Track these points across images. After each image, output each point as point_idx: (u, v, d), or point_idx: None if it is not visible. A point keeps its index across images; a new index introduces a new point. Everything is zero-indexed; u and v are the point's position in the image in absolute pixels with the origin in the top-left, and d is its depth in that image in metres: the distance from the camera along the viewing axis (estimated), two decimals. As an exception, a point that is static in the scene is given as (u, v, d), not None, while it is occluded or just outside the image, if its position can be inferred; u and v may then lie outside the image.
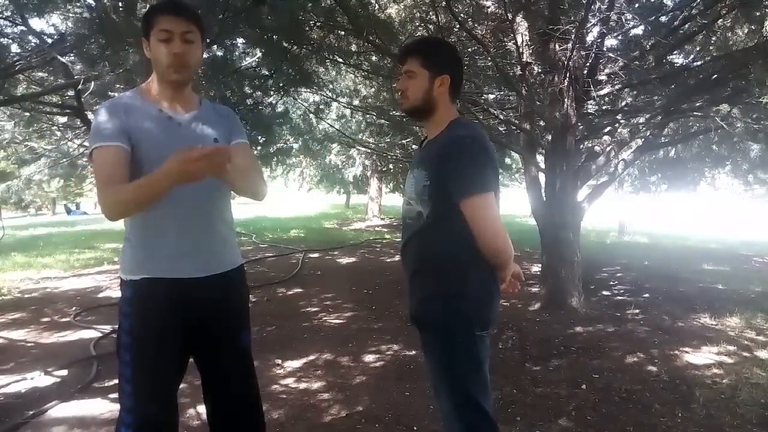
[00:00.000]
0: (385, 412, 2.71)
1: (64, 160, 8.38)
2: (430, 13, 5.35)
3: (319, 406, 2.79)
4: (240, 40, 5.96)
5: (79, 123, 6.51)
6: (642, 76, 4.68)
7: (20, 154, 8.51)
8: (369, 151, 13.18)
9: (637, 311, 4.79)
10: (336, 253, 9.13)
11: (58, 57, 4.66)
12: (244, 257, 1.64)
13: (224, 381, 1.57)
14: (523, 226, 12.97)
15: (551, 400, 2.85)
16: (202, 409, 2.58)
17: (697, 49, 5.38)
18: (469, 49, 5.49)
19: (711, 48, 5.22)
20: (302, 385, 3.07)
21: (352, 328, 4.33)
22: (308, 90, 8.42)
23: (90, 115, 5.59)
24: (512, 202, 20.36)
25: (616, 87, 4.87)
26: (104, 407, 2.72)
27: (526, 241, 8.79)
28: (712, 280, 6.73)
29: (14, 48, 5.15)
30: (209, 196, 1.48)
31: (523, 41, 4.77)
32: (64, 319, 4.55)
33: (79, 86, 4.77)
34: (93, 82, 4.84)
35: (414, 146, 10.69)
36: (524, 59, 4.73)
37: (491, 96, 6.19)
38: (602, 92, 4.84)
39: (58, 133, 8.01)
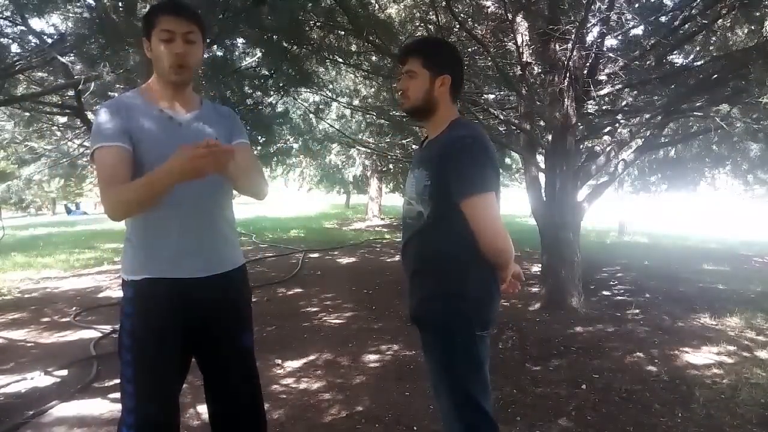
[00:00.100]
0: (385, 412, 2.71)
1: (64, 160, 8.37)
2: (430, 13, 5.35)
3: (319, 406, 2.79)
4: (240, 40, 5.96)
5: (79, 123, 6.52)
6: (642, 76, 4.68)
7: (20, 154, 8.50)
8: (369, 151, 13.18)
9: (637, 311, 4.79)
10: (336, 253, 9.13)
11: (58, 57, 4.66)
12: (244, 257, 1.64)
13: (226, 381, 1.56)
14: (523, 226, 12.97)
15: (551, 400, 2.85)
16: (201, 409, 2.59)
17: (697, 49, 5.38)
18: (469, 49, 5.49)
19: (711, 48, 5.22)
20: (302, 385, 3.07)
21: (352, 328, 4.33)
22: (308, 90, 8.43)
23: (90, 115, 5.59)
24: (512, 202, 20.36)
25: (616, 87, 4.86)
26: (104, 407, 2.72)
27: (526, 241, 8.79)
28: (712, 280, 6.73)
29: (14, 48, 5.16)
30: (211, 194, 1.48)
31: (523, 41, 4.77)
32: (64, 319, 4.55)
33: (79, 86, 4.77)
34: (93, 83, 4.84)
35: (414, 146, 10.69)
36: (524, 59, 4.73)
37: (491, 96, 6.20)
38: (602, 92, 4.84)
39: (58, 133, 8.01)
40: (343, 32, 5.48)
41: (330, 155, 15.41)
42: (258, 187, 1.57)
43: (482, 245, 1.45)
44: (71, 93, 5.44)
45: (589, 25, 4.73)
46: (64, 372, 3.26)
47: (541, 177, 5.21)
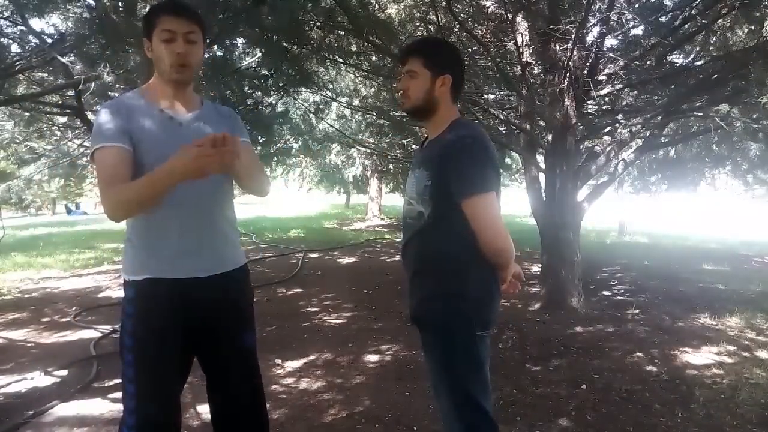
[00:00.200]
0: (385, 412, 2.71)
1: (64, 160, 8.38)
2: (430, 13, 5.35)
3: (319, 406, 2.79)
4: (240, 40, 5.96)
5: (79, 123, 6.51)
6: (642, 76, 4.68)
7: (20, 154, 8.51)
8: (369, 151, 13.17)
9: (637, 311, 4.79)
10: (336, 253, 9.13)
11: (58, 57, 4.66)
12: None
13: (228, 381, 1.56)
14: (523, 226, 12.97)
15: (551, 400, 2.85)
16: (201, 408, 2.59)
17: (697, 49, 5.38)
18: (469, 49, 5.49)
19: (711, 48, 5.22)
20: (302, 385, 3.07)
21: (352, 328, 4.33)
22: (308, 90, 8.42)
23: (90, 116, 5.59)
24: (512, 202, 20.36)
25: (616, 87, 4.87)
26: (104, 407, 2.72)
27: (526, 241, 8.79)
28: (712, 280, 6.73)
29: (14, 48, 5.16)
30: (212, 194, 1.48)
31: (523, 41, 4.77)
32: (64, 319, 4.55)
33: (79, 86, 4.77)
34: (93, 83, 4.84)
35: (414, 146, 10.69)
36: (524, 59, 4.73)
37: (491, 96, 6.19)
38: (602, 92, 4.84)
39: (58, 133, 8.01)
40: (343, 32, 5.48)
41: (330, 155, 15.40)
42: (261, 185, 1.59)
43: (483, 245, 1.45)
44: (71, 93, 5.44)
45: (589, 25, 4.74)
46: (64, 372, 3.26)
47: (541, 177, 5.21)
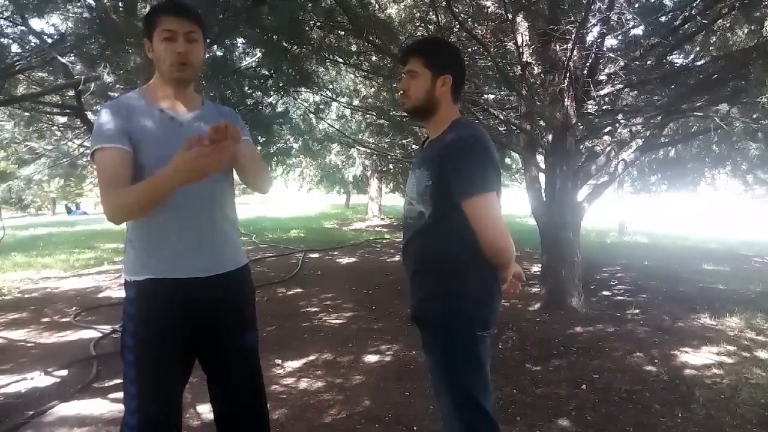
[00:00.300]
0: (385, 412, 2.71)
1: (64, 160, 8.38)
2: (430, 13, 5.35)
3: (319, 406, 2.79)
4: (240, 40, 5.96)
5: (79, 123, 6.51)
6: (642, 76, 4.68)
7: (20, 154, 8.51)
8: (369, 151, 13.17)
9: (637, 311, 4.79)
10: (336, 253, 9.13)
11: (58, 57, 4.66)
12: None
13: (229, 381, 1.56)
14: (523, 226, 12.97)
15: (551, 400, 2.85)
16: (201, 408, 2.59)
17: (697, 49, 5.38)
18: (469, 49, 5.49)
19: (711, 48, 5.22)
20: (302, 385, 3.07)
21: (352, 328, 4.33)
22: (308, 90, 8.42)
23: (90, 116, 5.59)
24: (512, 202, 20.35)
25: (616, 87, 4.87)
26: (104, 407, 2.72)
27: (526, 241, 8.79)
28: (712, 280, 6.73)
29: (14, 48, 5.15)
30: (212, 194, 1.48)
31: (523, 41, 4.77)
32: (64, 319, 4.55)
33: (79, 86, 4.77)
34: (93, 83, 4.84)
35: (414, 146, 10.69)
36: (524, 59, 4.73)
37: (491, 96, 6.19)
38: (602, 92, 4.84)
39: (58, 133, 8.01)
40: (343, 32, 5.48)
41: (330, 155, 15.39)
42: (263, 181, 1.61)
43: (483, 245, 1.45)
44: (71, 93, 5.43)
45: (589, 25, 4.74)
46: (64, 372, 3.26)
47: (541, 177, 5.21)
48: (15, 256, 8.24)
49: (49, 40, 5.17)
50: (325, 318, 4.68)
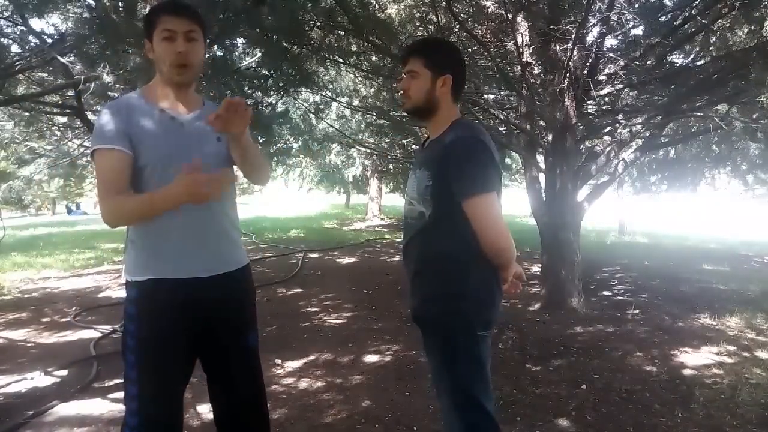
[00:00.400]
0: (385, 412, 2.71)
1: (64, 160, 8.37)
2: (430, 13, 5.35)
3: (319, 406, 2.79)
4: (240, 40, 5.95)
5: (79, 123, 6.51)
6: (642, 76, 4.68)
7: (20, 154, 8.50)
8: (369, 151, 13.18)
9: (637, 311, 4.79)
10: (336, 253, 9.13)
11: (58, 57, 4.66)
12: (245, 257, 1.65)
13: (230, 381, 1.56)
14: (523, 226, 12.97)
15: (551, 400, 2.85)
16: (201, 408, 2.59)
17: (697, 49, 5.38)
18: (469, 49, 5.49)
19: (711, 48, 5.22)
20: (302, 385, 3.07)
21: (352, 328, 4.33)
22: (308, 90, 8.41)
23: (90, 116, 5.59)
24: (512, 202, 20.34)
25: (617, 87, 4.87)
26: (104, 407, 2.72)
27: (526, 241, 8.79)
28: (712, 280, 6.73)
29: (14, 48, 5.15)
30: None
31: (523, 41, 4.77)
32: (64, 319, 4.55)
33: (79, 86, 4.77)
34: (93, 83, 4.84)
35: (414, 146, 10.70)
36: (524, 59, 4.73)
37: (491, 96, 6.20)
38: (602, 92, 4.84)
39: (58, 133, 8.01)
40: (343, 32, 5.48)
41: (330, 155, 15.40)
42: (263, 172, 1.65)
43: (484, 245, 1.45)
44: (71, 93, 5.43)
45: (589, 25, 4.73)
46: (64, 372, 3.26)
47: (541, 177, 5.21)
48: (15, 256, 8.24)
49: (49, 40, 5.17)
50: (325, 318, 4.68)
